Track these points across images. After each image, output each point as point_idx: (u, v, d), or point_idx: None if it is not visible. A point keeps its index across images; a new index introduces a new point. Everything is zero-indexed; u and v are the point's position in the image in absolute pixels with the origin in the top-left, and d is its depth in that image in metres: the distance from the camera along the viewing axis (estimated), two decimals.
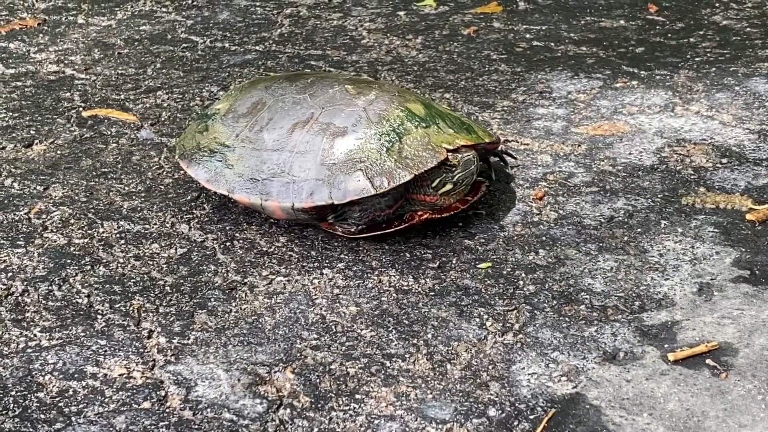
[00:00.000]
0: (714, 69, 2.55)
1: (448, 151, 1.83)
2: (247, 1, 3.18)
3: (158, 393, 1.50)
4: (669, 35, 2.80)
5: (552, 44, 2.77)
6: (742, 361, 1.52)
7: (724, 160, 2.10)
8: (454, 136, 1.86)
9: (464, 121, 1.94)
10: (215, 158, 1.90)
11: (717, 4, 3.03)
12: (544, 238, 1.86)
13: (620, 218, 1.91)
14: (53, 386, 1.51)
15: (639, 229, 1.87)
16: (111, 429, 1.43)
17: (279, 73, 2.10)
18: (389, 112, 1.85)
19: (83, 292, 1.73)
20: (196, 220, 1.94)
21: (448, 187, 1.84)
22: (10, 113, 2.40)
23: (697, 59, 2.62)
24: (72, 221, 1.94)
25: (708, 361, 1.52)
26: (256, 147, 1.87)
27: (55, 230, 1.91)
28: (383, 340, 1.60)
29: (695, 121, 2.28)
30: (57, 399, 1.49)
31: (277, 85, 1.97)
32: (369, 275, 1.76)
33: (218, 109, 2.00)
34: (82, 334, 1.62)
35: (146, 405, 1.47)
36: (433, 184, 1.84)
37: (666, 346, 1.56)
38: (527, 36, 2.84)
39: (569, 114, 2.34)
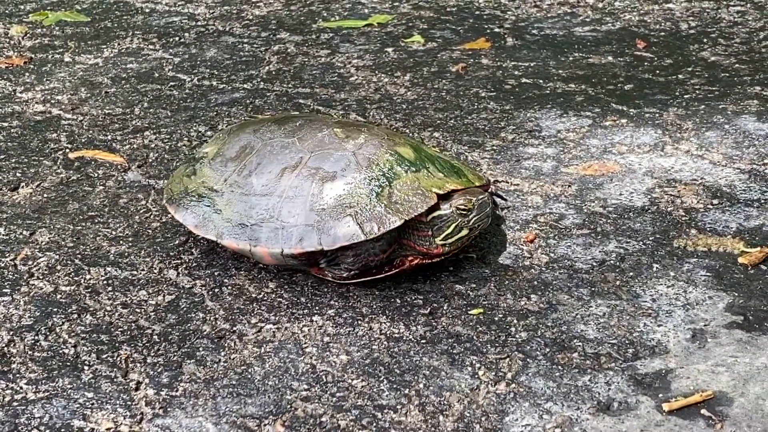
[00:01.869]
0: (703, 106, 2.55)
1: (439, 196, 1.81)
2: (235, 38, 3.18)
3: None
4: (657, 72, 2.81)
5: (541, 81, 2.77)
6: (737, 410, 1.51)
7: (715, 201, 2.10)
8: (444, 180, 1.85)
9: (454, 165, 1.93)
10: (203, 203, 1.88)
11: (705, 40, 3.04)
12: (535, 282, 1.84)
13: (612, 262, 1.90)
14: None
15: (631, 273, 1.86)
16: None
17: (267, 115, 2.09)
18: (378, 156, 1.84)
19: (70, 342, 1.70)
20: (185, 266, 1.92)
21: (464, 233, 1.82)
22: None
23: (686, 96, 2.62)
24: (59, 267, 1.92)
25: (703, 411, 1.50)
26: (244, 192, 1.85)
27: (41, 277, 1.89)
28: (374, 390, 1.58)
29: (685, 161, 2.27)
30: None
31: (265, 128, 1.95)
32: (359, 322, 1.74)
33: (206, 152, 1.98)
34: (69, 386, 1.60)
35: None
36: (449, 230, 1.81)
37: (660, 395, 1.55)
38: (516, 73, 2.84)
39: (559, 153, 2.34)
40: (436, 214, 1.81)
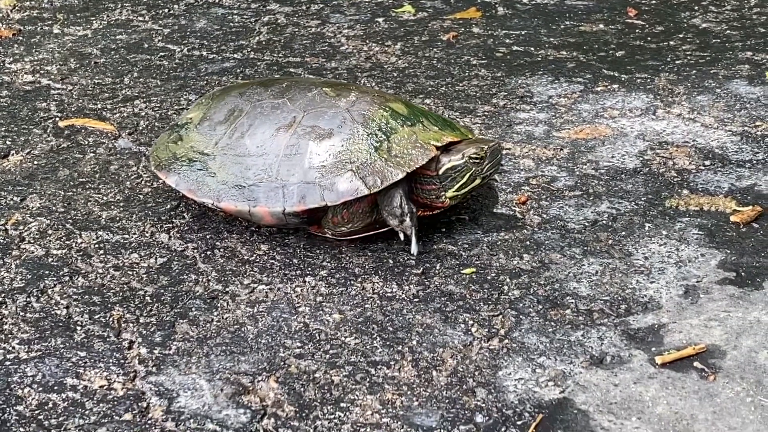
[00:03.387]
0: (694, 72, 2.55)
1: (438, 148, 1.81)
2: (225, 9, 3.16)
3: (140, 404, 1.47)
4: (649, 39, 2.80)
5: (532, 49, 2.76)
6: (729, 363, 1.51)
7: (707, 162, 2.10)
8: (441, 133, 1.85)
9: (446, 119, 1.93)
10: (195, 167, 1.87)
11: (696, 7, 3.04)
12: (528, 242, 1.84)
13: (604, 222, 1.90)
14: (33, 399, 1.48)
15: (623, 233, 1.86)
16: None
17: (250, 80, 2.08)
18: (373, 112, 1.84)
19: (62, 304, 1.70)
20: (176, 230, 1.91)
21: (477, 182, 1.83)
22: None
23: (677, 62, 2.62)
24: (50, 232, 1.91)
25: (696, 363, 1.51)
26: (238, 153, 1.85)
27: (32, 241, 1.88)
28: (368, 347, 1.58)
29: (677, 124, 2.27)
30: (36, 412, 1.46)
31: (251, 91, 1.94)
32: (352, 282, 1.74)
33: (190, 118, 1.97)
34: (62, 345, 1.59)
35: (128, 417, 1.45)
36: (463, 180, 1.82)
37: (653, 349, 1.55)
38: (507, 41, 2.83)
39: (551, 118, 2.33)
40: (450, 165, 1.82)
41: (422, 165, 1.80)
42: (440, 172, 1.82)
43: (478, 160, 1.81)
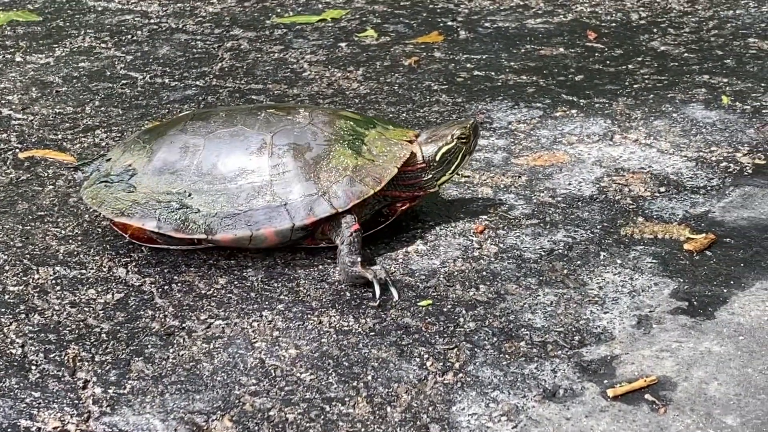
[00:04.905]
0: (652, 96, 2.58)
1: (410, 142, 1.95)
2: (188, 35, 3.17)
3: None
4: (608, 62, 2.83)
5: (492, 73, 2.79)
6: (680, 395, 1.53)
7: (662, 189, 2.12)
8: (401, 131, 1.98)
9: (390, 121, 2.06)
10: (171, 207, 1.84)
11: (655, 30, 3.07)
12: (484, 273, 1.86)
13: (560, 251, 1.92)
14: None
15: (579, 262, 1.88)
16: None
17: (170, 119, 2.06)
18: (335, 122, 1.92)
19: (17, 342, 1.69)
20: (134, 263, 1.91)
21: (466, 159, 2.00)
22: None
23: (635, 86, 2.65)
24: (7, 267, 1.91)
25: (647, 396, 1.52)
26: (217, 184, 1.85)
27: None
28: (323, 383, 1.59)
29: (634, 150, 2.30)
30: None
31: (191, 125, 1.93)
32: (309, 316, 1.75)
33: (130, 165, 1.90)
34: (16, 386, 1.59)
35: None
36: (458, 161, 1.97)
37: (605, 381, 1.56)
38: (468, 65, 2.85)
39: (509, 145, 2.35)
40: (445, 149, 1.96)
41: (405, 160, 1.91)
42: (437, 158, 1.96)
43: (465, 139, 1.96)
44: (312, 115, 1.93)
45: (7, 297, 1.82)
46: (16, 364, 1.64)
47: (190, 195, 1.86)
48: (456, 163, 1.97)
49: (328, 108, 1.98)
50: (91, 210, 2.11)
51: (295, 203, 1.83)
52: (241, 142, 1.88)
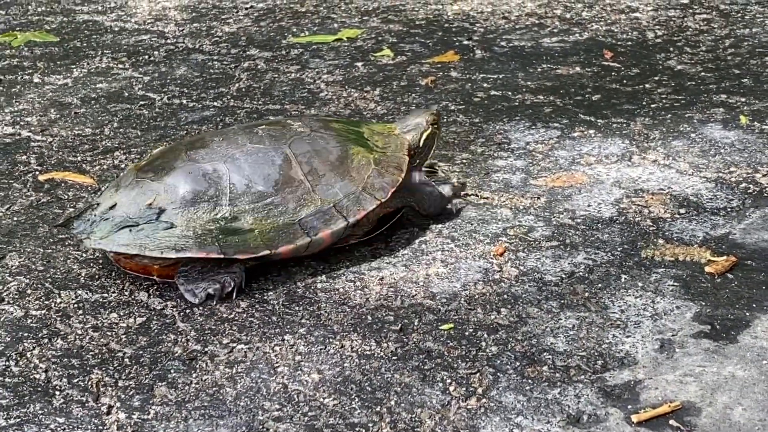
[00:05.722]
0: (670, 116, 2.58)
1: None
2: (205, 56, 3.18)
3: None
4: (625, 81, 2.83)
5: (509, 93, 2.79)
6: (705, 420, 1.52)
7: (682, 210, 2.12)
8: (384, 126, 2.15)
9: (363, 120, 2.33)
10: (227, 232, 1.86)
11: (671, 49, 3.07)
12: (505, 296, 1.86)
13: (581, 273, 1.91)
14: None
15: (600, 285, 1.87)
16: None
17: (153, 155, 2.05)
18: (332, 127, 2.04)
19: (41, 367, 1.70)
20: (155, 287, 1.92)
21: (438, 142, 2.23)
22: None
23: (653, 106, 2.65)
24: (29, 291, 1.92)
25: (671, 422, 1.52)
26: (262, 201, 1.89)
27: (11, 302, 1.88)
28: (346, 408, 1.59)
29: (652, 171, 2.30)
30: None
31: (196, 154, 1.93)
32: (331, 340, 1.75)
33: (150, 206, 1.88)
34: (40, 411, 1.59)
35: None
36: (435, 144, 2.18)
37: (629, 406, 1.56)
38: (485, 85, 2.86)
39: (528, 165, 2.35)
40: (427, 134, 2.15)
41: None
42: (420, 144, 2.13)
43: (436, 124, 2.17)
44: (306, 123, 2.04)
45: (29, 321, 1.82)
46: (40, 389, 1.65)
47: (236, 218, 1.88)
48: (433, 147, 2.18)
49: (310, 116, 2.16)
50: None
51: (343, 203, 1.93)
52: (263, 158, 1.93)
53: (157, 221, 1.87)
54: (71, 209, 2.22)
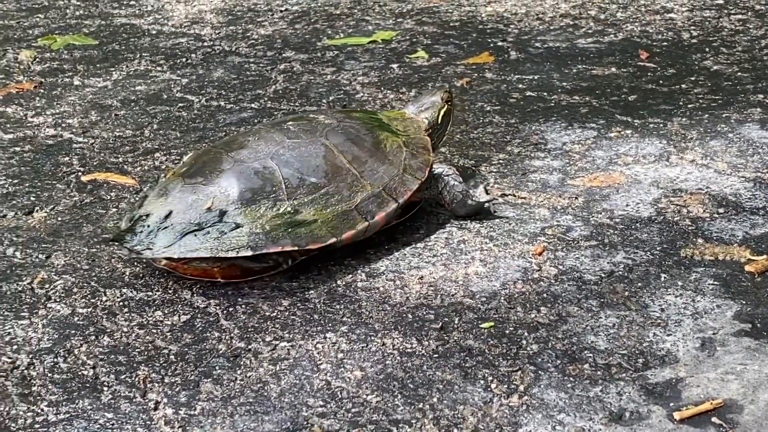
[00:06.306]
0: (707, 116, 2.58)
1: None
2: (241, 58, 3.21)
3: None
4: (661, 82, 2.83)
5: (545, 94, 2.80)
6: (747, 418, 1.53)
7: (721, 210, 2.12)
8: (396, 112, 2.27)
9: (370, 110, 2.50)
10: (293, 225, 1.91)
11: (707, 49, 3.07)
12: (545, 295, 1.87)
13: (620, 272, 1.92)
14: None
15: (639, 284, 1.88)
16: None
17: (189, 158, 2.07)
18: (355, 117, 2.14)
19: (89, 364, 1.73)
20: (198, 286, 1.95)
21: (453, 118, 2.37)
22: (10, 180, 2.42)
23: (689, 106, 2.65)
24: (75, 290, 1.95)
25: (714, 419, 1.53)
26: (317, 192, 1.96)
27: (58, 300, 1.92)
28: (389, 405, 1.60)
29: (690, 170, 2.30)
30: None
31: (239, 154, 1.97)
32: (372, 338, 1.77)
33: (209, 209, 1.91)
34: (89, 407, 1.62)
35: None
36: (450, 119, 2.31)
37: (671, 404, 1.57)
38: (520, 86, 2.87)
39: (565, 166, 2.36)
40: (444, 111, 2.26)
41: None
42: (439, 121, 2.24)
43: (450, 101, 2.27)
44: (330, 115, 2.12)
45: (77, 319, 1.86)
46: (88, 385, 1.68)
47: (297, 211, 1.93)
48: (449, 124, 2.29)
49: (327, 109, 2.29)
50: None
51: (390, 185, 2.01)
52: (306, 151, 1.99)
53: (222, 223, 1.90)
54: (113, 209, 2.25)
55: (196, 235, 1.88)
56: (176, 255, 1.89)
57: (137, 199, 2.04)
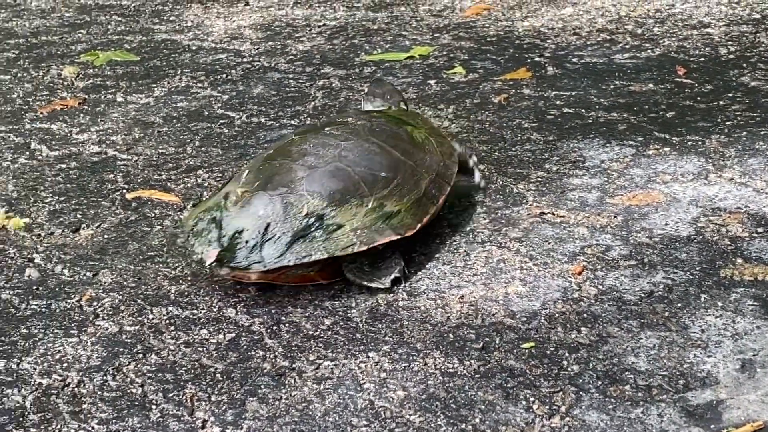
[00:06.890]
0: (745, 133, 2.59)
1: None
2: (281, 74, 3.25)
3: None
4: (698, 98, 2.84)
5: (583, 110, 2.81)
6: None
7: (760, 230, 2.13)
8: (396, 110, 2.43)
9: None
10: (384, 218, 2.02)
11: (744, 65, 3.07)
12: (585, 315, 1.89)
13: (660, 293, 1.94)
14: None
15: (679, 304, 1.90)
16: None
17: (249, 176, 2.08)
18: (377, 116, 2.28)
19: (137, 382, 1.77)
20: (242, 304, 1.98)
21: None
22: (57, 197, 2.47)
23: (727, 123, 2.66)
24: (122, 308, 1.99)
25: None
26: (391, 186, 2.07)
27: (106, 318, 1.96)
28: (432, 425, 1.63)
29: (729, 189, 2.31)
30: None
31: (308, 161, 2.05)
32: (414, 358, 1.80)
33: (306, 216, 1.97)
34: (138, 425, 1.66)
35: None
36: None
37: (712, 426, 1.58)
38: (557, 102, 2.88)
39: (603, 184, 2.38)
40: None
41: None
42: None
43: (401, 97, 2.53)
44: (358, 117, 2.25)
45: (124, 337, 1.90)
46: (137, 403, 1.72)
47: (382, 204, 2.03)
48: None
49: (345, 114, 2.48)
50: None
51: (440, 171, 2.18)
52: (365, 150, 2.10)
53: (324, 226, 1.96)
54: (158, 227, 2.29)
55: (303, 241, 1.94)
56: (292, 263, 1.94)
57: (193, 219, 2.04)
